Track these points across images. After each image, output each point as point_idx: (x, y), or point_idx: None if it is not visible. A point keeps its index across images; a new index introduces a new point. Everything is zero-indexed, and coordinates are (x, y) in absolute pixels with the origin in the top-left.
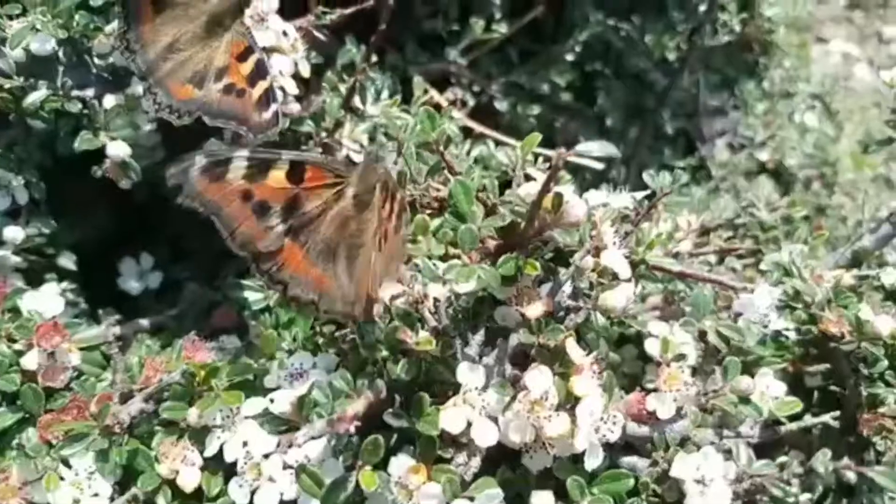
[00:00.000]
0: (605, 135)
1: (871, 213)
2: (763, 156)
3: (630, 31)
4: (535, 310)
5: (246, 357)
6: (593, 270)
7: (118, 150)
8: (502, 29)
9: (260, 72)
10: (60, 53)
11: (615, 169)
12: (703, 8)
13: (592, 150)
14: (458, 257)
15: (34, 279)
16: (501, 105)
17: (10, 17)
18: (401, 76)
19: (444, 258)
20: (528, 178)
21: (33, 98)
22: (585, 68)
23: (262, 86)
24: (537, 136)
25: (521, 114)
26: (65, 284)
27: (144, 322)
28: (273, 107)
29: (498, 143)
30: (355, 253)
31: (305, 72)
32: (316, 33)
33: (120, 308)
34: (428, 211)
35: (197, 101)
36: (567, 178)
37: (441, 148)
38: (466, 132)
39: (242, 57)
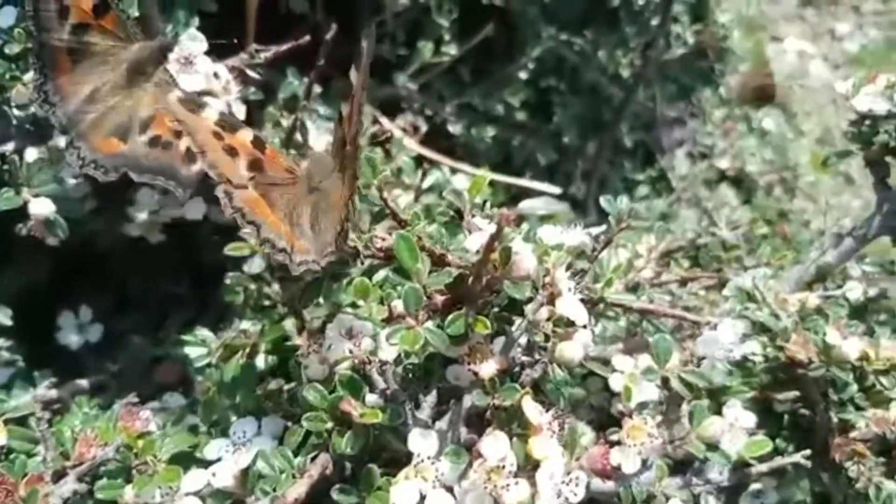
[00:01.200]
0: (563, 152)
1: (834, 220)
2: (723, 164)
3: (583, 45)
4: (488, 368)
5: (191, 416)
6: (548, 320)
7: (42, 207)
8: (452, 51)
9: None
10: None
11: (575, 186)
12: (655, 22)
13: (537, 208)
14: (404, 317)
15: None
16: (455, 128)
17: None
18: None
19: (390, 318)
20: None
21: None
22: (540, 84)
23: (189, 139)
24: (484, 179)
25: (477, 136)
26: (0, 342)
27: (83, 382)
28: (199, 162)
29: (454, 169)
30: (318, 215)
31: (240, 114)
32: (250, 72)
33: (60, 362)
34: (372, 261)
35: (122, 155)
36: (512, 235)
37: (384, 195)
38: (421, 157)
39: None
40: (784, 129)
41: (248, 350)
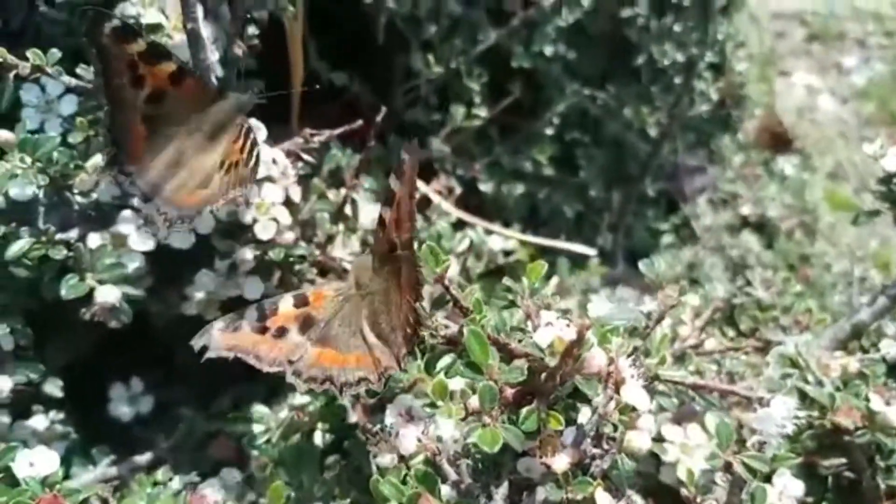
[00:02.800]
0: (589, 204)
1: (861, 269)
2: (745, 210)
3: (607, 99)
4: (561, 462)
5: (250, 492)
6: (614, 408)
7: (108, 295)
8: (482, 113)
9: (247, 135)
10: (41, 194)
11: (602, 237)
12: (678, 80)
13: (614, 317)
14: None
15: (20, 411)
16: (486, 187)
17: None
18: (385, 169)
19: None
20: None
21: (15, 249)
22: (565, 138)
23: (248, 143)
24: (542, 267)
25: (507, 193)
26: (52, 414)
27: (141, 459)
28: (255, 151)
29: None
30: (378, 321)
31: (296, 196)
32: (305, 157)
33: (109, 432)
34: (436, 348)
35: (205, 198)
36: (591, 342)
37: (447, 282)
38: (458, 221)
39: (237, 139)
40: (800, 171)
41: (307, 430)
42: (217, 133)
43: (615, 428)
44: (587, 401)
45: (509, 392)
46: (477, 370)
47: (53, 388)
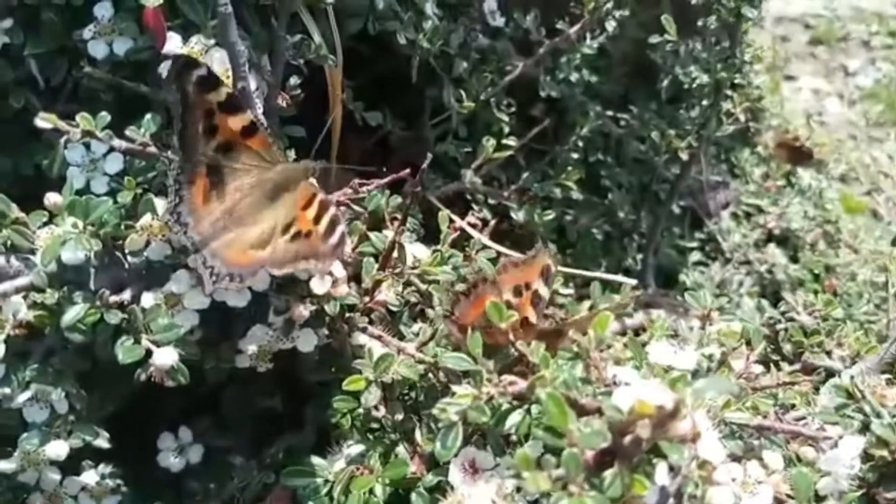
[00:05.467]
0: (618, 226)
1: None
2: (769, 223)
3: (630, 120)
4: None
5: None
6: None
7: (166, 358)
8: (512, 142)
9: (324, 207)
10: (92, 256)
11: (630, 256)
12: (706, 102)
13: (709, 388)
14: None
15: (68, 467)
16: (517, 215)
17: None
18: (419, 202)
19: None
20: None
21: (71, 316)
22: (589, 160)
23: (326, 217)
24: (609, 318)
25: (539, 221)
26: (102, 468)
27: None
28: (339, 229)
29: None
30: None
31: (347, 248)
32: (355, 207)
33: (155, 480)
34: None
35: (262, 260)
36: (684, 411)
37: (513, 338)
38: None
39: (307, 205)
40: (817, 179)
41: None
42: (279, 194)
43: (695, 485)
44: (663, 456)
45: (589, 455)
46: (556, 434)
47: (101, 441)
